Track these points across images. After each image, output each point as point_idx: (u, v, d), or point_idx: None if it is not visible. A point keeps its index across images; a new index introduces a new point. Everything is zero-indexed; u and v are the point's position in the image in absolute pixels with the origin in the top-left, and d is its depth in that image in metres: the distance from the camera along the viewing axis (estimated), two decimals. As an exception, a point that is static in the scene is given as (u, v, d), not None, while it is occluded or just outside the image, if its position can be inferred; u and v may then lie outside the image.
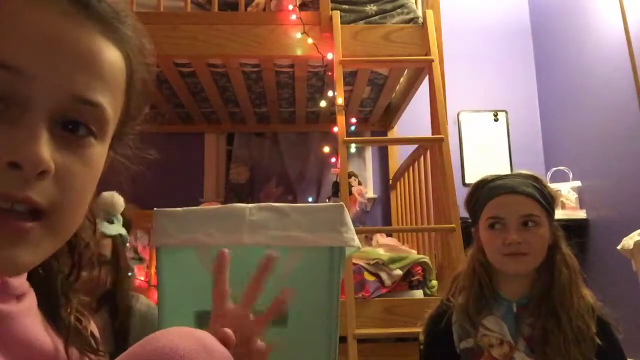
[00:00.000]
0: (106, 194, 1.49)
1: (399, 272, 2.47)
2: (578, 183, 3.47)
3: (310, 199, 3.93)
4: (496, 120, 4.07)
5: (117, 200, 1.54)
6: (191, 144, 4.04)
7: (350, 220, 1.44)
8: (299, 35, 2.78)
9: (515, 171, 1.39)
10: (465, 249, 1.51)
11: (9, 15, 0.42)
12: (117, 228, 1.54)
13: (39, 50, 0.42)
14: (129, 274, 1.64)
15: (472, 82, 4.02)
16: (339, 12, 2.80)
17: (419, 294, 2.50)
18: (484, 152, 4.00)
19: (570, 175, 3.54)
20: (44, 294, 0.53)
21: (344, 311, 2.07)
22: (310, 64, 3.00)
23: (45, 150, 0.41)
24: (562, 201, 3.36)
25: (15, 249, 0.42)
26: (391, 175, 3.96)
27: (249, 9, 2.96)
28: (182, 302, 1.39)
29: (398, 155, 3.96)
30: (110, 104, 0.47)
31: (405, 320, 2.29)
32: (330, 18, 2.80)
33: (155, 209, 1.43)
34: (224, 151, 4.15)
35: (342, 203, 1.46)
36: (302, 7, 2.93)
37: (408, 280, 2.51)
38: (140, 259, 2.94)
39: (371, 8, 2.91)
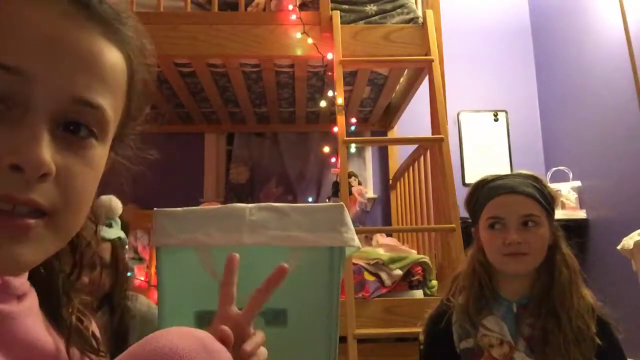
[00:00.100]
0: (104, 198, 1.50)
1: (399, 272, 2.47)
2: (578, 183, 3.47)
3: (310, 199, 3.93)
4: (496, 120, 4.07)
5: (116, 204, 1.56)
6: (191, 144, 4.04)
7: (350, 220, 1.44)
8: (299, 35, 2.78)
9: (515, 171, 1.39)
10: (465, 249, 1.51)
11: (10, 16, 0.42)
12: (115, 232, 1.55)
13: (39, 51, 0.42)
14: (129, 274, 1.64)
15: (472, 82, 4.02)
16: (339, 12, 2.80)
17: (419, 294, 2.50)
18: (484, 152, 4.00)
19: (570, 175, 3.54)
20: (46, 293, 0.53)
21: (344, 311, 2.07)
22: (310, 64, 3.00)
23: (47, 152, 0.41)
24: (562, 201, 3.36)
25: (17, 246, 0.42)
26: (391, 175, 3.96)
27: (249, 9, 2.96)
28: (182, 302, 1.39)
29: (398, 155, 3.96)
30: (111, 105, 0.47)
31: (405, 320, 2.29)
32: (330, 18, 2.80)
33: (155, 209, 1.43)
34: (224, 151, 4.15)
35: (342, 203, 1.46)
36: (302, 7, 2.93)
37: (408, 280, 2.51)
38: (140, 259, 2.94)
39: (371, 8, 2.91)
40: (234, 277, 0.64)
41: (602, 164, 3.26)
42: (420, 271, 2.54)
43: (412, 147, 3.24)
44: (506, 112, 4.08)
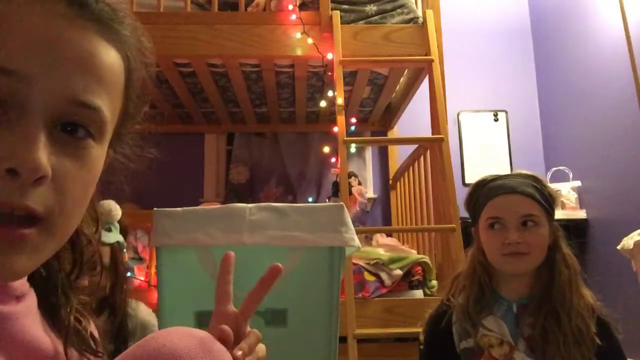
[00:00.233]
0: (104, 203, 1.51)
1: (399, 272, 2.47)
2: (578, 183, 3.47)
3: (310, 199, 3.93)
4: (496, 120, 4.07)
5: (115, 209, 1.58)
6: (191, 144, 4.04)
7: (350, 220, 1.44)
8: (299, 35, 2.78)
9: (515, 171, 1.39)
10: (465, 249, 1.51)
11: (6, 18, 0.42)
12: (114, 236, 1.57)
13: (36, 54, 0.42)
14: (129, 274, 1.65)
15: (472, 82, 4.02)
16: (339, 12, 2.80)
17: (419, 294, 2.50)
18: (484, 152, 4.00)
19: (570, 175, 3.54)
20: (45, 294, 0.53)
21: (344, 311, 2.07)
22: (310, 64, 3.00)
23: (43, 155, 0.41)
24: (562, 201, 3.36)
25: (13, 255, 0.41)
26: (391, 175, 3.96)
27: (249, 9, 2.96)
28: (182, 302, 1.39)
29: (398, 155, 3.96)
30: (108, 106, 0.47)
31: (405, 320, 2.29)
32: (330, 18, 2.80)
33: (155, 209, 1.43)
34: (224, 151, 4.15)
35: (342, 203, 1.46)
36: (302, 7, 2.93)
37: (408, 280, 2.51)
38: (140, 259, 2.94)
39: (371, 8, 2.91)
40: (229, 275, 0.64)
41: (602, 164, 3.26)
42: (420, 271, 2.53)
43: (412, 147, 3.24)
44: (506, 112, 4.08)
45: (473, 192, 1.33)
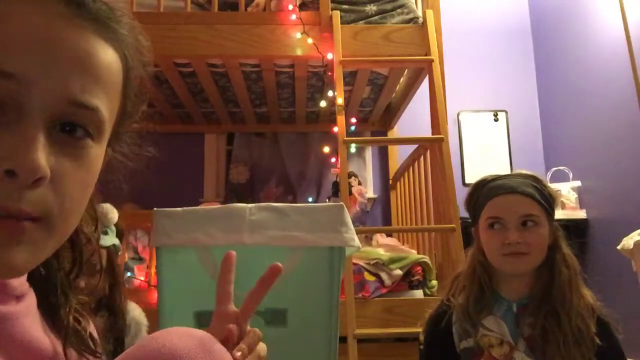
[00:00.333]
0: (100, 206, 1.52)
1: (399, 272, 2.47)
2: (578, 183, 3.47)
3: (310, 199, 3.93)
4: (496, 120, 4.07)
5: (111, 212, 1.58)
6: (191, 144, 4.04)
7: (350, 220, 1.44)
8: (299, 35, 2.78)
9: (515, 171, 1.39)
10: (465, 249, 1.51)
11: (3, 19, 0.42)
12: (111, 239, 1.58)
13: (34, 55, 0.42)
14: (129, 274, 1.66)
15: (472, 82, 4.02)
16: (339, 12, 2.80)
17: (419, 294, 2.50)
18: (484, 152, 4.00)
19: (570, 175, 3.54)
20: (44, 293, 0.53)
21: (344, 311, 2.07)
22: (310, 64, 3.00)
23: (42, 156, 0.41)
24: (562, 201, 3.36)
25: (12, 249, 0.41)
26: (391, 175, 3.96)
27: (249, 9, 2.96)
28: (182, 302, 1.39)
29: (398, 155, 3.96)
30: (106, 105, 0.47)
31: (405, 320, 2.29)
32: (330, 18, 2.80)
33: (155, 209, 1.43)
34: (224, 151, 4.15)
35: (342, 203, 1.46)
36: (302, 7, 2.93)
37: (408, 280, 2.51)
38: (140, 259, 2.94)
39: (371, 8, 2.91)
40: (231, 275, 0.64)
41: (602, 164, 3.26)
42: (420, 271, 2.53)
43: (412, 147, 3.23)
44: (506, 112, 4.08)
45: (473, 192, 1.33)
